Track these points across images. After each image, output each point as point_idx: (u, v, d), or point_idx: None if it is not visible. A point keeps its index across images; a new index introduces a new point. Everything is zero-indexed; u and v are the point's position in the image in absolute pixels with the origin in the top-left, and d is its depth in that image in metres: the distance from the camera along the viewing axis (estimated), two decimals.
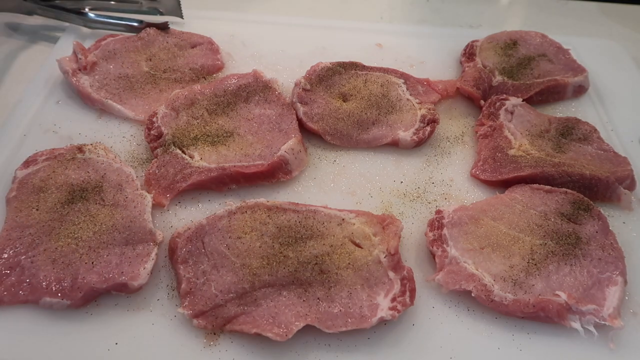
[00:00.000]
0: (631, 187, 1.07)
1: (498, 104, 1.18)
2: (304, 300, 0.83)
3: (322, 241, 0.90)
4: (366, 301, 0.84)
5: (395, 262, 0.88)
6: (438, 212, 0.99)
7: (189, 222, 0.93)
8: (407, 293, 0.85)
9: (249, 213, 0.93)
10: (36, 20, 1.38)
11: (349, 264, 0.87)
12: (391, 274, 0.87)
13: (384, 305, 0.83)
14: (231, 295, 0.83)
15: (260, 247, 0.88)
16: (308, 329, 0.81)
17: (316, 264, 0.87)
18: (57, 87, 1.18)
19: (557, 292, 0.86)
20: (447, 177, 1.10)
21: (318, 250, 0.88)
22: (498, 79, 1.27)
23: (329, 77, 1.20)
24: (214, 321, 0.81)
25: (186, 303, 0.82)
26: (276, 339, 0.78)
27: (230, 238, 0.89)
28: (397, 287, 0.86)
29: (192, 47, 1.28)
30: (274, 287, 0.84)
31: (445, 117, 1.21)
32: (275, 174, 1.03)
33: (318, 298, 0.83)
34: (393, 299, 0.84)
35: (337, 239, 0.90)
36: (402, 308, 0.83)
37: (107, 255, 0.86)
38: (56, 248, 0.86)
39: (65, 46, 1.27)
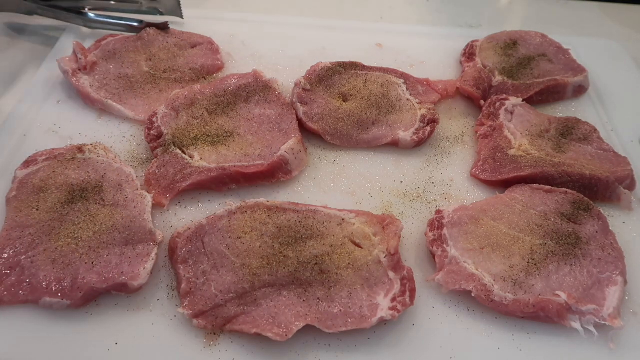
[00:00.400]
0: (631, 187, 1.07)
1: (498, 104, 1.18)
2: (304, 300, 0.83)
3: (322, 241, 0.90)
4: (366, 301, 0.84)
5: (395, 262, 0.88)
6: (438, 212, 0.99)
7: (189, 222, 0.93)
8: (407, 293, 0.85)
9: (249, 213, 0.93)
10: (36, 20, 1.38)
11: (349, 264, 0.87)
12: (391, 274, 0.87)
13: (384, 305, 0.83)
14: (231, 295, 0.83)
15: (260, 247, 0.88)
16: (308, 329, 0.81)
17: (316, 264, 0.87)
18: (57, 87, 1.18)
19: (557, 292, 0.86)
20: (447, 177, 1.10)
21: (318, 250, 0.88)
22: (498, 79, 1.27)
23: (329, 77, 1.20)
24: (214, 321, 0.81)
25: (186, 303, 0.82)
26: (276, 339, 0.78)
27: (230, 238, 0.89)
28: (397, 287, 0.86)
29: (192, 47, 1.28)
30: (274, 287, 0.84)
31: (445, 117, 1.21)
32: (275, 174, 1.03)
33: (318, 298, 0.83)
34: (393, 299, 0.84)
35: (337, 239, 0.90)
36: (402, 308, 0.83)
37: (107, 255, 0.86)
38: (56, 248, 0.86)
39: (65, 46, 1.27)
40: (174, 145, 1.04)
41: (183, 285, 0.84)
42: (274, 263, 0.86)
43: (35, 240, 0.87)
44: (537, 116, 1.18)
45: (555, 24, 1.59)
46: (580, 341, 0.85)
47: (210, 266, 0.86)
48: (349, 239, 0.91)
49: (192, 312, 0.81)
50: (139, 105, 1.14)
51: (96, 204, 0.92)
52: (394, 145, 1.13)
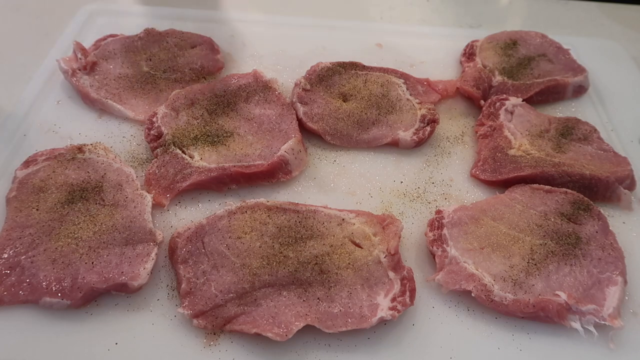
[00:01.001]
0: (631, 187, 1.07)
1: (498, 104, 1.18)
2: (304, 300, 0.83)
3: (322, 241, 0.90)
4: (366, 301, 0.84)
5: (395, 262, 0.88)
6: (438, 212, 0.99)
7: (189, 222, 0.93)
8: (407, 293, 0.85)
9: (249, 213, 0.93)
10: (36, 20, 1.38)
11: (349, 264, 0.87)
12: (391, 274, 0.87)
13: (384, 305, 0.83)
14: (231, 295, 0.83)
15: (260, 247, 0.88)
16: (308, 329, 0.81)
17: (316, 264, 0.87)
18: (57, 87, 1.18)
19: (557, 292, 0.86)
20: (447, 177, 1.10)
21: (318, 250, 0.88)
22: (498, 79, 1.26)
23: (329, 77, 1.20)
24: (214, 321, 0.81)
25: (186, 303, 0.82)
26: (276, 339, 0.78)
27: (230, 238, 0.89)
28: (397, 287, 0.86)
29: (192, 47, 1.28)
30: (274, 287, 0.84)
31: (445, 117, 1.21)
32: (275, 174, 1.03)
33: (318, 298, 0.83)
34: (393, 299, 0.84)
35: (337, 239, 0.90)
36: (402, 308, 0.83)
37: (107, 255, 0.86)
38: (56, 248, 0.86)
39: (65, 46, 1.27)
40: (174, 145, 1.04)
41: (183, 285, 0.84)
42: (274, 263, 0.86)
43: (35, 240, 0.87)
44: (537, 116, 1.18)
45: (555, 24, 1.59)
46: (580, 341, 0.85)
47: (210, 266, 0.86)
48: (349, 239, 0.91)
49: (192, 312, 0.81)
50: (139, 105, 1.14)
51: (96, 204, 0.92)
52: (394, 145, 1.13)
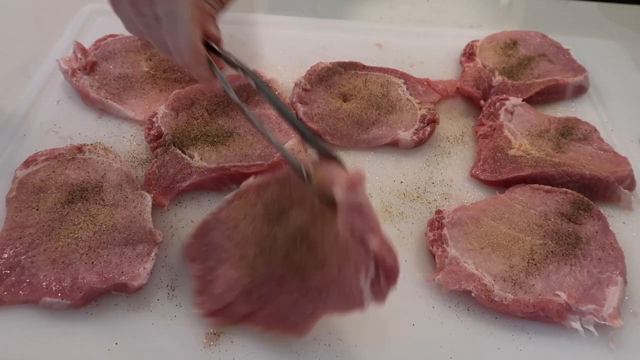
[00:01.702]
0: (631, 187, 1.07)
1: (498, 104, 1.18)
2: (305, 295, 0.81)
3: (301, 207, 0.82)
4: (355, 279, 0.70)
5: (348, 222, 0.67)
6: (438, 212, 0.99)
7: (189, 222, 0.93)
8: (382, 275, 0.65)
9: (243, 198, 0.90)
10: (36, 20, 1.38)
11: (330, 231, 0.76)
12: (360, 249, 0.68)
13: (366, 290, 0.69)
14: (237, 292, 0.82)
15: (252, 231, 0.86)
16: None
17: (302, 237, 0.80)
18: (57, 87, 1.18)
19: (557, 292, 0.86)
20: (447, 177, 1.10)
21: (301, 220, 0.81)
22: (498, 79, 1.26)
23: (329, 77, 1.20)
24: (226, 320, 0.81)
25: (199, 302, 0.82)
26: (292, 339, 0.77)
27: (228, 229, 0.88)
28: (371, 267, 0.67)
29: None
30: (274, 280, 0.82)
31: (445, 117, 1.21)
32: None
33: (319, 289, 0.80)
34: (372, 283, 0.68)
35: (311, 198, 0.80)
36: (381, 291, 0.68)
37: (107, 255, 0.86)
38: (56, 248, 0.86)
39: (65, 46, 1.27)
40: (174, 145, 1.04)
41: (195, 284, 0.84)
42: (267, 249, 0.83)
43: (35, 240, 0.87)
44: (537, 116, 1.18)
45: (555, 24, 1.59)
46: (580, 341, 0.85)
47: (216, 261, 0.85)
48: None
49: (205, 311, 0.81)
50: (139, 105, 1.14)
51: (96, 204, 0.92)
52: (394, 145, 1.13)
